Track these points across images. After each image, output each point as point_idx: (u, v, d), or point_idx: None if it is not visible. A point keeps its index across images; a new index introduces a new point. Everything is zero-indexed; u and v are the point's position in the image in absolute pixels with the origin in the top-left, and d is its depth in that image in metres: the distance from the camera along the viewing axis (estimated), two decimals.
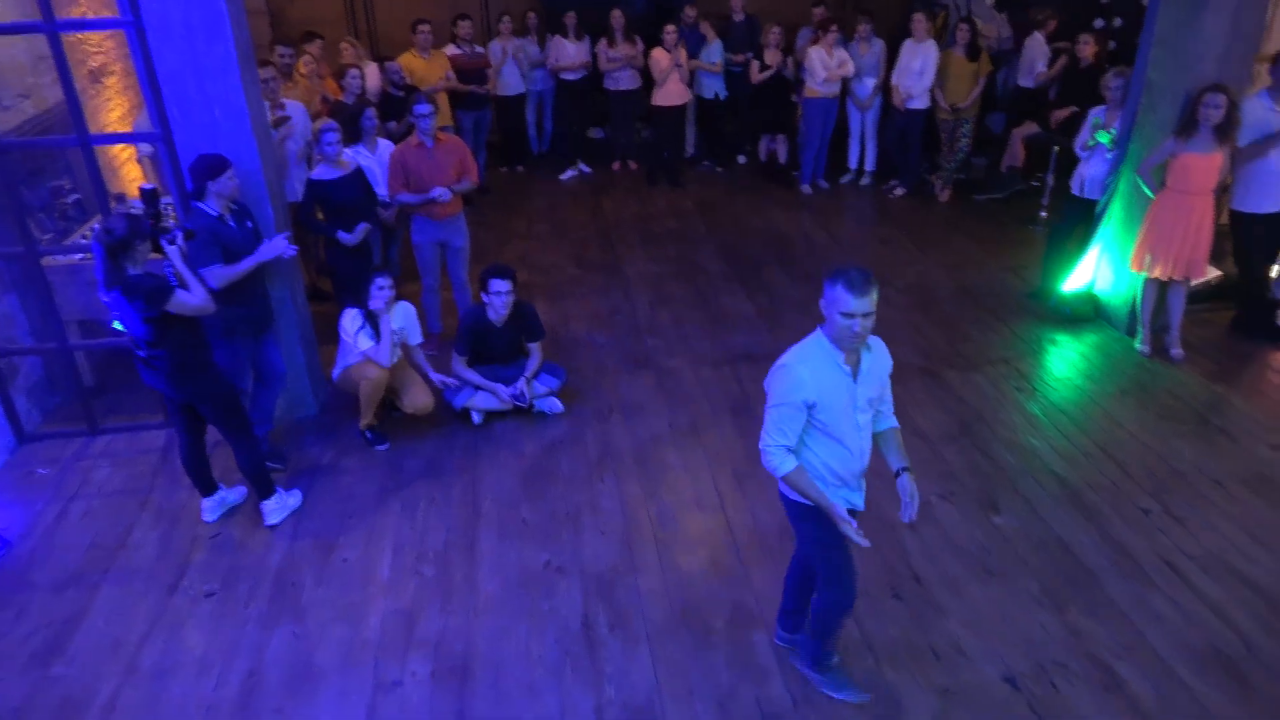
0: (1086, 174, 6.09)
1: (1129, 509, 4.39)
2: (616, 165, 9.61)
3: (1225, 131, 5.23)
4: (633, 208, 8.56)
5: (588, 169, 9.49)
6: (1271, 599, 3.83)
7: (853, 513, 3.11)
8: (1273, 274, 6.04)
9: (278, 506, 4.45)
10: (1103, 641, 3.66)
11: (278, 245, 4.51)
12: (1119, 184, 5.92)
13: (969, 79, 7.94)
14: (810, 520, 3.12)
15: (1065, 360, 5.80)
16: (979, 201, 8.44)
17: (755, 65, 8.54)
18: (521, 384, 5.09)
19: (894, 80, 8.16)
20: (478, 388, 5.09)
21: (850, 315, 2.81)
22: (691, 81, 8.91)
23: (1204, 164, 5.28)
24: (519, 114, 9.29)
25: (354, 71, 6.94)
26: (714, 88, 8.98)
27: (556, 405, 5.27)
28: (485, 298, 4.99)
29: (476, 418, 5.16)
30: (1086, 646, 3.63)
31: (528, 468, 4.82)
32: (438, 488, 4.69)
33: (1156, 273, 5.57)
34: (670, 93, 8.76)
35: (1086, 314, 6.19)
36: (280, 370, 4.82)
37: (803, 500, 3.07)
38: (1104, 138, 5.88)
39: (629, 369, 5.76)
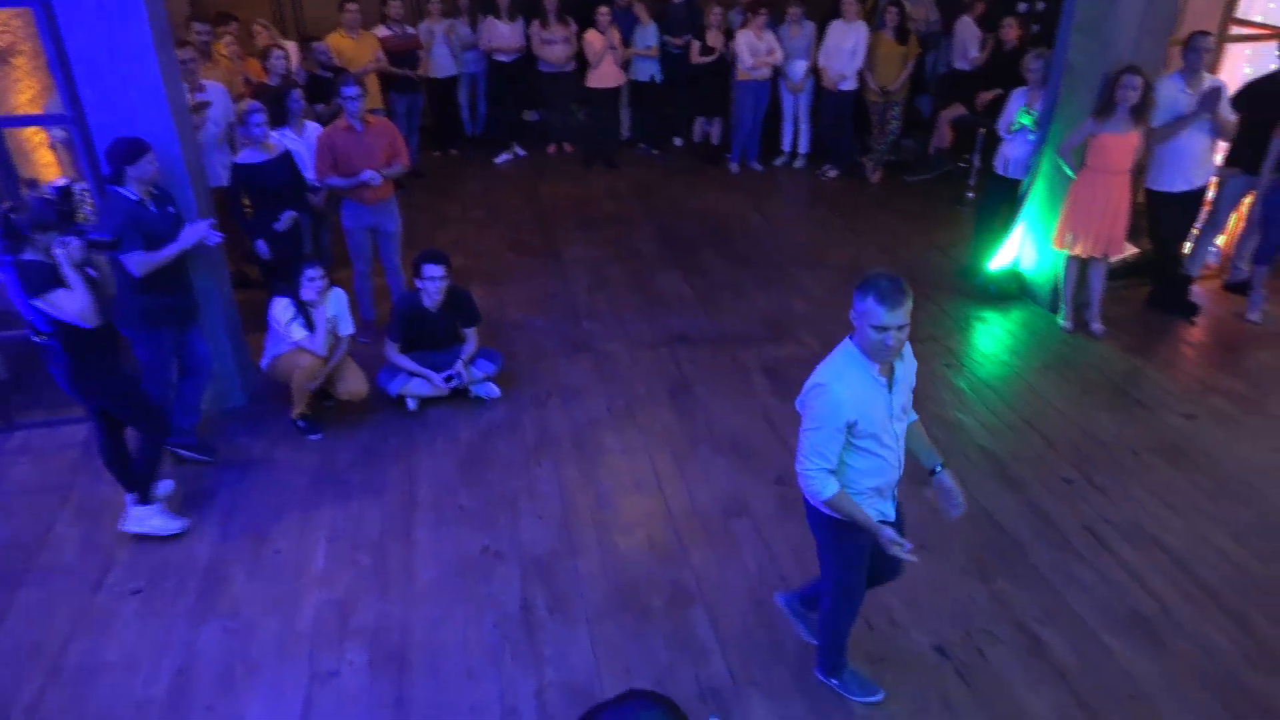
0: (1010, 155, 6.24)
1: (1053, 480, 4.55)
2: (552, 148, 9.53)
3: (1140, 112, 5.40)
4: (569, 191, 8.52)
5: (523, 152, 9.39)
6: (1184, 563, 4.01)
7: (884, 522, 2.99)
8: (1186, 250, 6.28)
9: (142, 518, 4.15)
10: (1028, 608, 3.79)
11: (200, 230, 4.38)
12: (1041, 164, 6.08)
13: (898, 62, 8.06)
14: (835, 534, 2.99)
15: (992, 337, 5.96)
16: (909, 182, 8.59)
17: (696, 47, 8.55)
18: (458, 369, 5.05)
19: (821, 62, 8.25)
20: (413, 374, 5.03)
21: (883, 329, 2.64)
22: (627, 64, 8.87)
23: (1121, 144, 5.45)
24: (451, 96, 9.15)
25: (278, 52, 6.76)
26: (649, 71, 8.96)
27: (493, 390, 5.23)
28: (419, 283, 4.92)
29: (412, 404, 5.10)
30: (1012, 614, 3.76)
31: (464, 453, 4.79)
32: (373, 476, 4.63)
33: (1078, 250, 5.75)
34: (605, 75, 8.71)
35: (1012, 291, 6.37)
36: (206, 361, 4.70)
37: (834, 515, 2.91)
38: (1026, 119, 6.02)
39: (566, 353, 5.75)
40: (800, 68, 8.43)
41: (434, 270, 4.85)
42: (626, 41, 8.78)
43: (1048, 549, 4.10)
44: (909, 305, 2.65)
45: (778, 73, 8.53)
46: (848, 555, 3.04)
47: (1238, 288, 6.34)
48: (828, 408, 2.77)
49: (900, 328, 2.65)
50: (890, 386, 2.83)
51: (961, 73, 8.38)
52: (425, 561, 4.05)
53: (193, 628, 3.72)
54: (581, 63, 8.82)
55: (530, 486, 4.53)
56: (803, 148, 8.96)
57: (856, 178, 8.70)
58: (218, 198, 5.46)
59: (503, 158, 9.27)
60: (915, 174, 8.67)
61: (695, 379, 5.44)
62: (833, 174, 8.72)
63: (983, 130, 7.76)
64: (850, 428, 2.79)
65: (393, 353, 5.02)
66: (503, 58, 8.86)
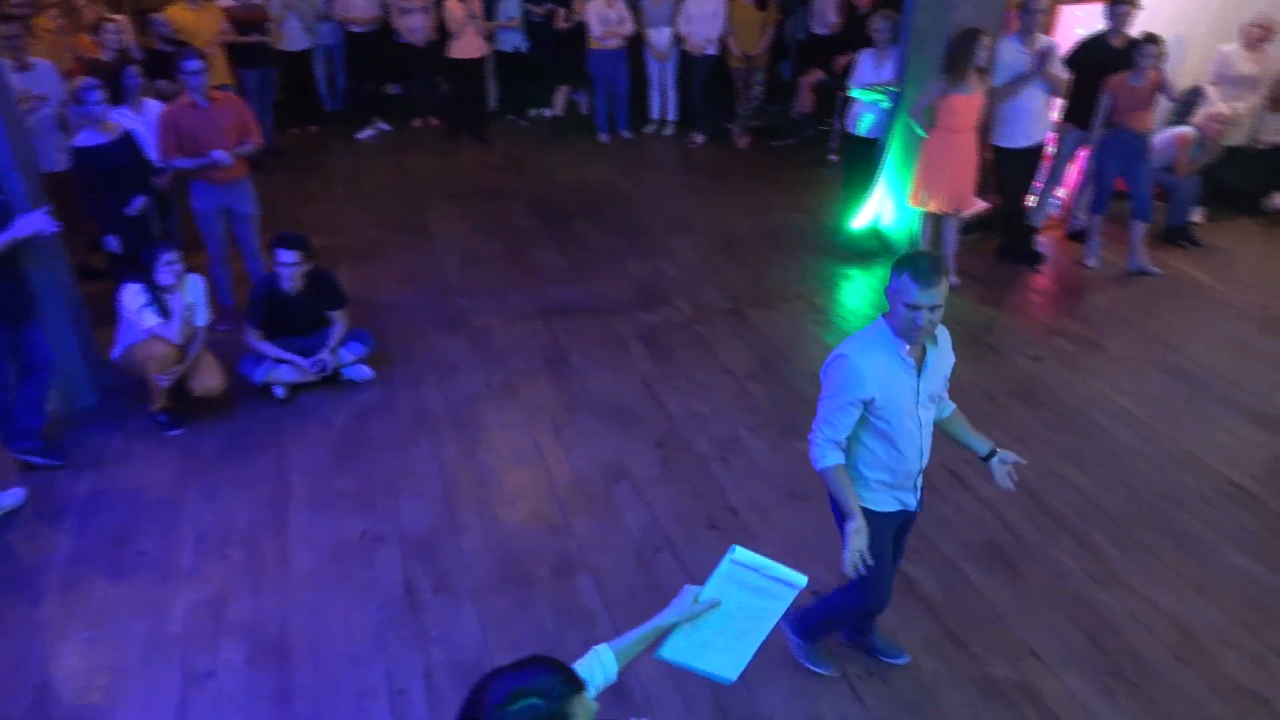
0: (859, 115, 6.45)
1: None
2: (417, 121, 9.29)
3: (983, 73, 5.67)
4: (437, 165, 8.33)
5: (387, 126, 9.11)
6: (1035, 494, 4.29)
7: (905, 513, 2.98)
8: (1030, 203, 6.66)
9: None
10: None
11: (35, 220, 4.09)
12: (896, 125, 6.31)
13: (757, 27, 8.19)
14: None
15: (856, 293, 6.19)
16: (775, 147, 8.78)
17: (560, 14, 8.46)
18: (324, 354, 4.89)
19: (683, 29, 8.30)
20: (278, 360, 4.85)
21: (915, 307, 2.57)
22: (491, 35, 8.71)
23: (967, 104, 5.71)
24: (307, 70, 8.78)
25: (112, 25, 6.32)
26: (513, 41, 8.82)
27: (365, 372, 5.10)
28: (275, 268, 4.74)
29: (279, 391, 4.92)
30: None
31: (338, 438, 4.67)
32: (241, 468, 4.45)
33: (932, 207, 6.01)
34: (467, 45, 8.52)
35: (874, 248, 6.62)
36: (48, 357, 4.40)
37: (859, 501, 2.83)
38: (872, 94, 6.21)
39: (441, 330, 5.65)
40: (664, 35, 8.46)
41: (287, 256, 4.67)
42: (489, 12, 8.61)
43: None
44: (944, 286, 2.59)
45: (640, 41, 8.54)
46: (872, 544, 2.87)
47: (1077, 236, 6.77)
48: (846, 380, 2.71)
49: (933, 308, 2.58)
50: (919, 370, 2.76)
51: (820, 37, 8.59)
52: (301, 550, 3.94)
53: (52, 640, 3.52)
54: (443, 33, 8.60)
55: (408, 467, 4.46)
56: (671, 115, 9.02)
57: (724, 144, 8.82)
58: (54, 183, 5.09)
59: (366, 133, 8.98)
60: (780, 139, 8.86)
61: (572, 349, 5.45)
62: (700, 141, 8.81)
63: (842, 94, 7.99)
64: (867, 405, 2.72)
65: (254, 339, 4.83)
66: (359, 28, 8.55)
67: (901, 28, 6.16)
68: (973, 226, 6.61)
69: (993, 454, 3.03)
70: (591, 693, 1.82)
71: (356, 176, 8.05)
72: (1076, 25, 6.75)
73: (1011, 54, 5.93)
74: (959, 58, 5.56)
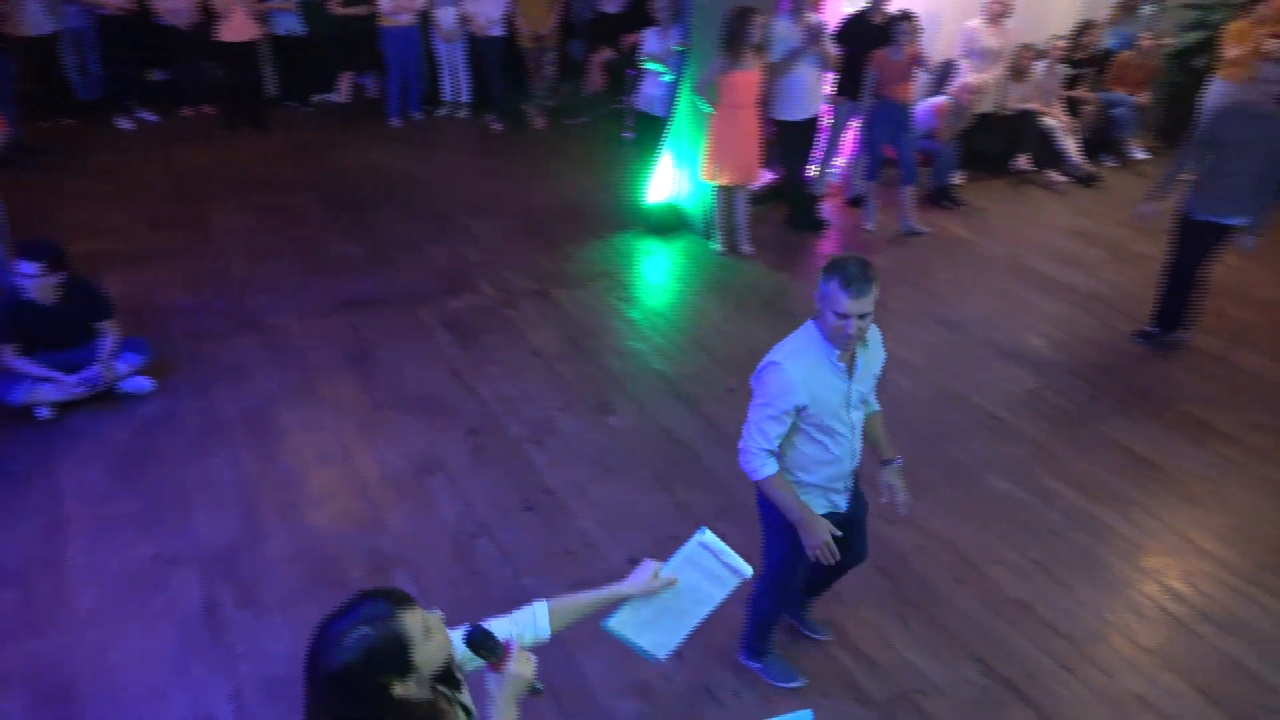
0: (649, 93, 6.61)
1: (718, 389, 4.99)
2: (188, 110, 8.63)
3: (760, 49, 5.93)
4: (213, 156, 7.79)
5: (152, 116, 8.41)
6: None
7: (834, 515, 2.95)
8: (812, 173, 7.05)
9: None
10: (706, 507, 4.16)
11: None
12: (682, 101, 6.50)
13: (544, 6, 8.18)
14: (786, 528, 2.89)
15: (657, 267, 6.36)
16: (570, 126, 8.82)
17: None
18: (94, 369, 4.49)
19: (469, 8, 8.16)
20: (39, 379, 4.41)
21: (844, 315, 2.54)
22: (262, 16, 8.20)
23: (748, 79, 5.96)
24: (53, 56, 7.95)
25: None
26: (287, 24, 8.36)
27: (144, 384, 4.72)
28: (16, 280, 4.29)
29: (43, 413, 4.47)
30: (694, 515, 4.11)
31: (118, 457, 4.31)
32: (3, 501, 4.03)
33: (722, 180, 6.25)
34: (237, 27, 7.99)
35: (672, 223, 6.81)
36: None
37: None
38: (655, 65, 6.37)
39: (228, 332, 5.32)
40: (449, 14, 8.28)
41: (29, 268, 4.22)
42: None
43: (719, 452, 4.51)
44: (874, 293, 2.56)
45: (428, 20, 8.32)
46: (797, 549, 2.92)
47: (856, 202, 7.25)
48: (778, 388, 2.68)
49: (862, 316, 2.56)
50: (850, 373, 2.75)
51: (607, 15, 8.70)
52: (84, 583, 3.62)
53: None
54: (210, 15, 8.02)
55: (202, 479, 4.19)
56: (464, 97, 8.86)
57: (520, 124, 8.77)
58: None
59: (127, 123, 8.25)
60: (574, 118, 8.91)
61: (374, 342, 5.28)
62: (496, 123, 8.71)
63: (632, 71, 8.13)
64: (799, 411, 2.71)
65: (8, 358, 4.36)
66: (107, 10, 7.82)
67: (682, 6, 6.33)
68: (762, 197, 6.93)
69: (890, 463, 3.05)
70: (516, 645, 1.89)
71: (121, 172, 7.39)
72: (843, 3, 7.18)
73: (784, 31, 6.23)
74: (735, 36, 5.79)
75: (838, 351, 2.68)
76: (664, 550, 3.42)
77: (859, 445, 2.91)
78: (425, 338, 5.37)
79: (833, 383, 2.72)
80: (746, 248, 6.47)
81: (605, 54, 8.54)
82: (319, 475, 4.26)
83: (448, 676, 1.83)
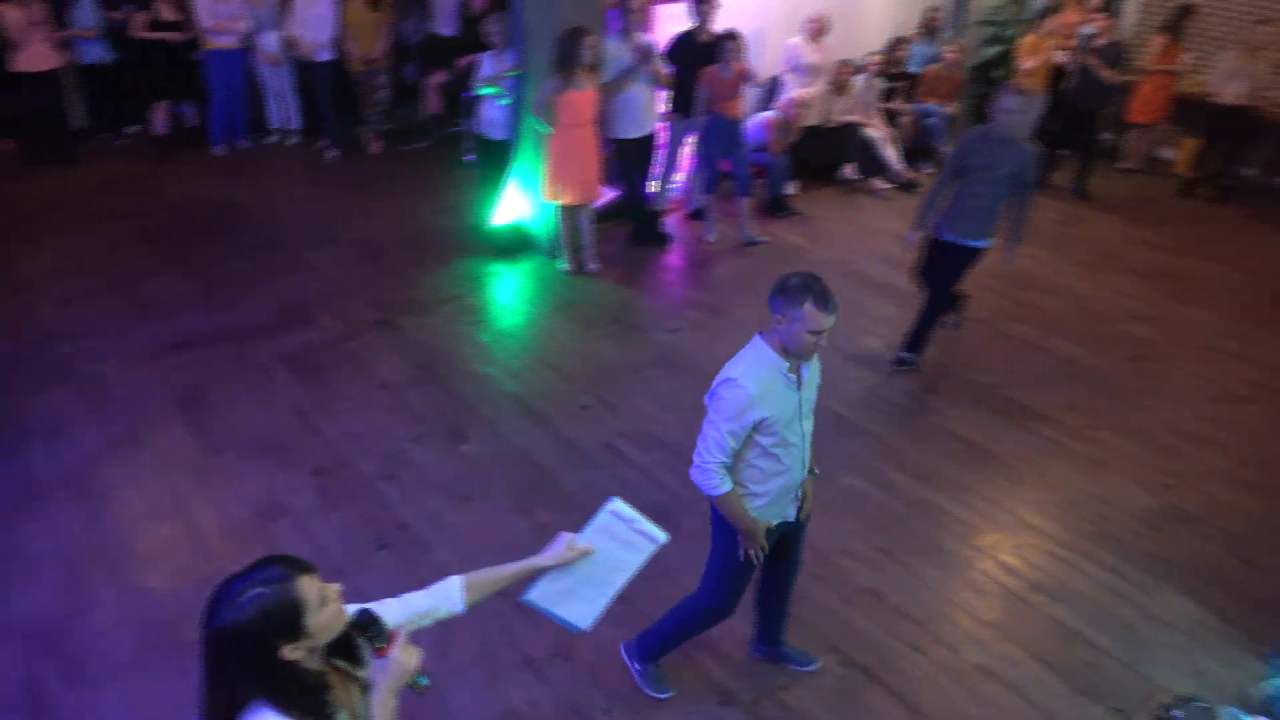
0: (487, 117, 6.58)
1: (572, 408, 5.00)
2: None
3: (593, 70, 6.00)
4: (15, 193, 7.18)
5: None
6: (682, 453, 4.60)
7: (785, 524, 3.06)
8: (652, 188, 7.18)
9: None
10: (566, 528, 4.11)
11: None
12: (523, 123, 6.50)
13: (372, 29, 8.00)
14: (733, 542, 3.01)
15: (505, 289, 6.32)
16: (408, 151, 8.66)
17: (140, 19, 7.63)
18: None
19: (295, 32, 7.89)
20: None
21: (818, 332, 2.71)
22: (65, 44, 7.65)
23: (582, 99, 6.02)
24: None
25: None
26: (95, 52, 7.84)
27: None
28: None
29: None
30: (552, 537, 4.08)
31: None
32: None
33: (565, 200, 6.28)
34: (35, 56, 7.41)
35: (517, 244, 6.78)
36: None
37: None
38: (491, 89, 6.33)
39: (42, 385, 4.91)
40: (272, 39, 7.97)
41: None
42: (61, 19, 7.55)
43: (576, 471, 4.52)
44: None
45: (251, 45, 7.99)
46: (737, 566, 3.04)
47: (697, 215, 7.43)
48: (737, 405, 2.76)
49: (829, 329, 2.74)
50: (799, 385, 2.87)
51: (440, 38, 8.58)
52: None
53: None
54: (3, 44, 7.40)
55: (15, 551, 3.84)
56: (294, 123, 8.54)
57: (356, 151, 8.54)
58: None
59: None
60: (412, 142, 8.75)
61: (207, 385, 5.00)
62: (331, 149, 8.44)
63: (468, 95, 8.06)
64: (758, 425, 2.79)
65: None
66: None
67: (514, 29, 6.34)
68: (605, 215, 7.00)
69: (810, 472, 3.12)
70: (431, 618, 2.03)
71: None
72: (671, 23, 7.36)
73: (616, 51, 6.33)
74: (567, 56, 5.84)
75: (788, 364, 2.81)
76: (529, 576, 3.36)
77: (809, 455, 3.03)
78: (263, 377, 5.13)
79: (786, 394, 2.84)
80: (593, 265, 6.52)
81: (440, 77, 8.42)
82: (150, 533, 3.99)
83: (348, 651, 1.87)
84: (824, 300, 2.72)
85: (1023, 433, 5.02)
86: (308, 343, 5.47)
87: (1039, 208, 5.76)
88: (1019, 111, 5.00)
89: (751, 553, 3.00)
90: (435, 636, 3.46)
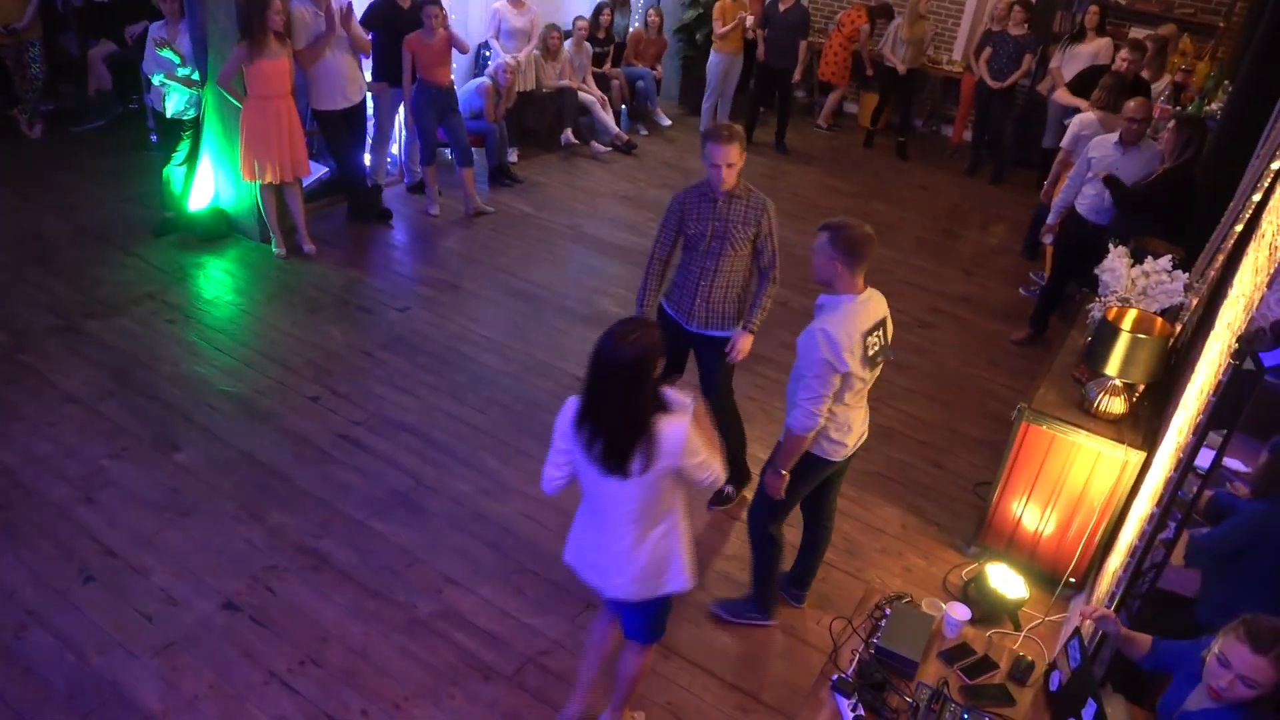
0: (167, 92, 5.92)
1: (299, 401, 4.69)
2: None
3: (282, 36, 5.57)
4: None
5: None
6: (423, 434, 4.54)
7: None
8: (366, 162, 6.84)
9: None
10: (303, 529, 3.90)
11: None
12: (208, 97, 5.92)
13: None
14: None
15: (211, 280, 5.77)
16: (78, 133, 7.63)
17: None
18: None
19: None
20: None
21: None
22: None
23: (275, 68, 5.57)
24: None
25: None
26: None
27: None
28: None
29: None
30: (290, 540, 3.84)
31: None
32: None
33: (268, 178, 5.81)
34: None
35: (220, 230, 6.21)
36: None
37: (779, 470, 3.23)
38: (170, 53, 5.72)
39: None
40: None
41: None
42: None
43: (310, 467, 4.25)
44: None
45: None
46: (776, 506, 3.37)
47: (417, 188, 7.18)
48: (834, 351, 2.99)
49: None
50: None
51: (102, 6, 7.62)
52: None
53: None
54: None
55: None
56: None
57: (11, 135, 7.40)
58: None
59: None
60: (82, 123, 7.72)
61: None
62: None
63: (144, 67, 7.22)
64: (844, 378, 3.04)
65: None
66: None
67: None
68: (318, 193, 6.59)
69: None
70: None
71: None
72: None
73: (306, 17, 5.91)
74: (252, 22, 5.38)
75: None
76: (255, 587, 3.15)
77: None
78: None
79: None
80: (308, 247, 6.12)
81: (108, 48, 7.47)
82: None
83: None
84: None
85: (749, 375, 5.34)
86: None
87: (748, 164, 6.11)
88: None
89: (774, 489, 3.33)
90: (161, 669, 3.15)
